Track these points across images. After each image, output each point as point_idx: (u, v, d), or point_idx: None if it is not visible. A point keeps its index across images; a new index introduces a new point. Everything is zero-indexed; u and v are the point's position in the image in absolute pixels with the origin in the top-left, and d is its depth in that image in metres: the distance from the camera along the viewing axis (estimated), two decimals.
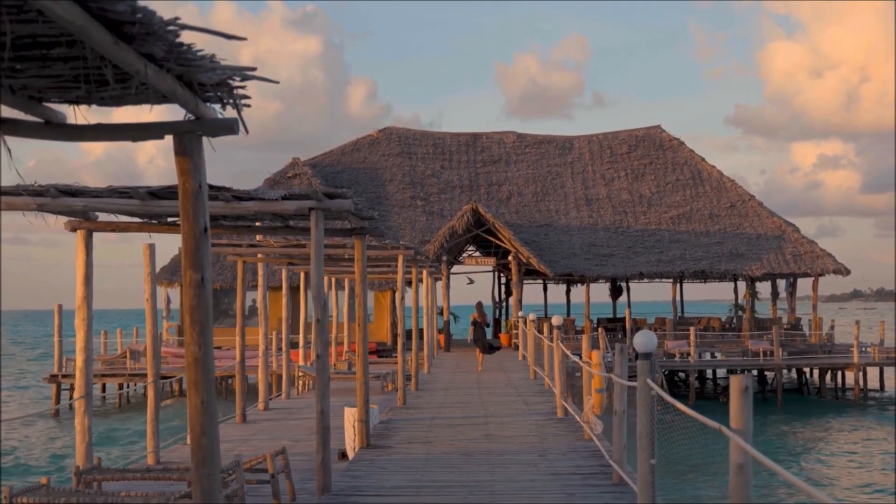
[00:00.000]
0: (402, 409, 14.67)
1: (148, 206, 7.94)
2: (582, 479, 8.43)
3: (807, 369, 33.82)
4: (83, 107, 4.36)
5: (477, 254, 39.85)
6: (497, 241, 35.52)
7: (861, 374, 31.15)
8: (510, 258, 35.26)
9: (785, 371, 32.87)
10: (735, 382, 4.44)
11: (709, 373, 35.15)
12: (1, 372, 45.62)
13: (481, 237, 36.30)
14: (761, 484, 16.61)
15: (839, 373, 32.60)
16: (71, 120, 4.43)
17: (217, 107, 4.27)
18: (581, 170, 41.77)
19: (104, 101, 4.12)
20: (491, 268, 40.53)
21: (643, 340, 6.17)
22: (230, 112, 4.23)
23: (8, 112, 4.34)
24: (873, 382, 33.09)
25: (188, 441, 13.98)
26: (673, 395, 5.50)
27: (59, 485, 9.97)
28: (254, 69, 3.75)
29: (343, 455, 11.60)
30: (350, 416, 11.76)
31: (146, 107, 4.45)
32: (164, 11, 3.11)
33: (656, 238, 37.84)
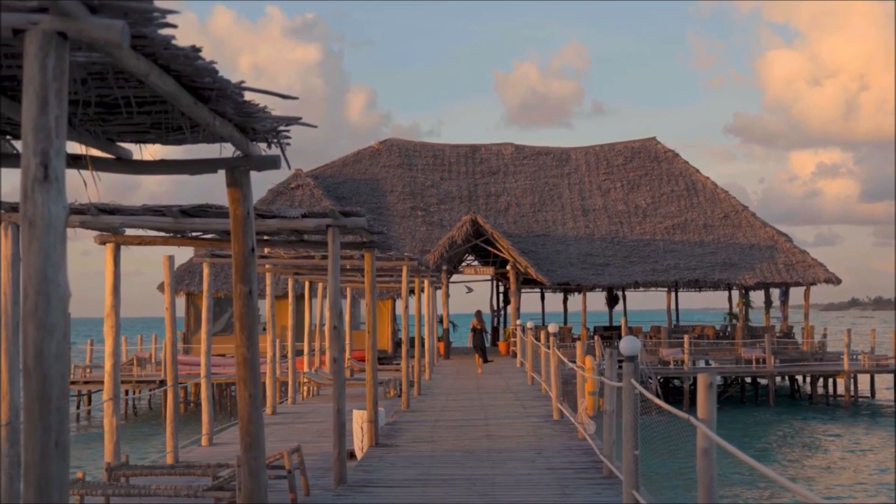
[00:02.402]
0: (407, 412, 15.44)
1: (179, 223, 8.71)
2: (575, 473, 9.20)
3: (799, 377, 34.58)
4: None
5: (476, 263, 40.66)
6: (495, 251, 36.29)
7: (852, 381, 31.94)
8: (508, 267, 36.03)
9: (778, 379, 33.65)
10: (701, 379, 5.21)
11: None
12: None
13: (480, 247, 37.07)
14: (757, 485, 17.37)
15: (831, 380, 33.38)
16: (136, 155, 5.21)
17: (263, 144, 5.06)
18: (578, 181, 42.61)
19: (168, 142, 4.90)
20: (489, 277, 41.32)
21: (628, 345, 6.95)
22: (274, 149, 5.02)
23: (78, 148, 5.12)
24: (866, 390, 33.90)
25: (203, 443, 14.72)
26: (668, 401, 6.08)
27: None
28: (299, 118, 4.54)
29: (351, 455, 12.33)
30: (358, 417, 12.51)
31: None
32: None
33: (651, 248, 38.65)
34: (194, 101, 3.88)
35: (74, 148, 4.87)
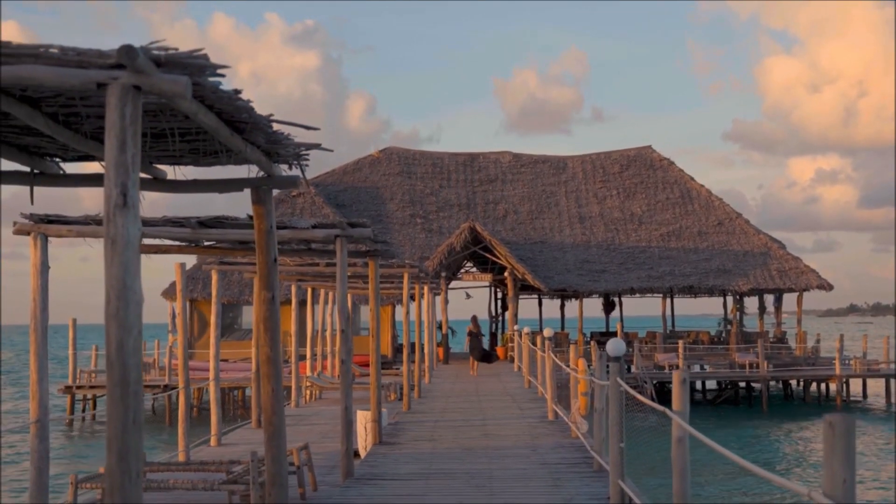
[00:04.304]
0: (408, 413, 16.06)
1: (196, 234, 9.31)
2: (567, 468, 9.81)
3: (793, 381, 35.22)
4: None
5: (474, 270, 41.31)
6: (493, 258, 36.91)
7: (844, 385, 32.61)
8: (506, 274, 36.65)
9: (772, 383, 34.29)
10: (675, 376, 5.81)
11: (698, 384, 36.56)
12: (1, 382, 46.81)
13: (478, 254, 37.70)
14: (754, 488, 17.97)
15: (823, 384, 34.05)
16: (170, 175, 5.82)
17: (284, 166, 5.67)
18: (574, 189, 43.27)
19: (201, 164, 5.51)
20: (488, 283, 41.93)
21: (614, 347, 7.56)
22: (294, 170, 5.64)
23: None
24: (859, 394, 34.62)
25: (212, 443, 15.27)
26: (663, 404, 6.53)
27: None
28: (318, 144, 5.15)
29: (355, 454, 12.92)
30: (362, 418, 13.11)
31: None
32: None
33: (647, 254, 39.29)
34: (231, 132, 4.50)
35: None
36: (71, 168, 5.91)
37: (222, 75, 3.66)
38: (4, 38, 3.34)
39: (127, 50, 3.23)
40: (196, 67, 3.47)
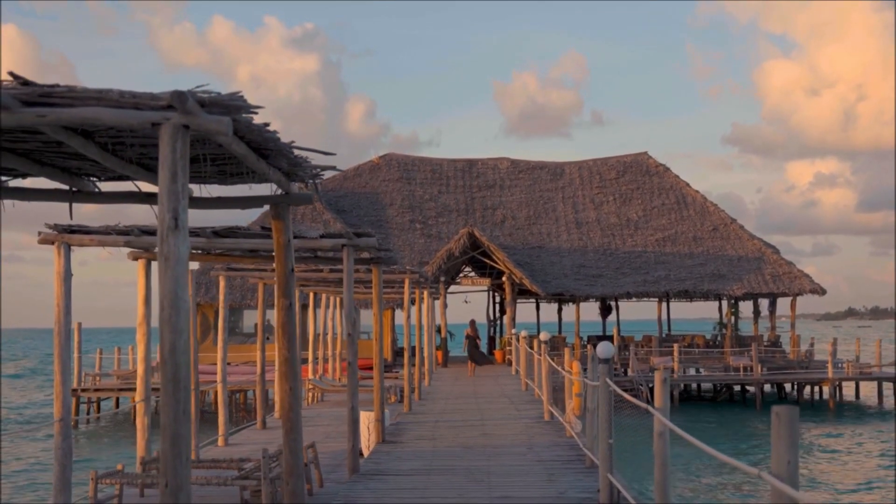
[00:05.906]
0: (409, 414, 16.60)
1: (211, 242, 9.86)
2: (561, 465, 10.37)
3: (787, 385, 35.81)
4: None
5: (473, 274, 41.86)
6: (492, 263, 37.47)
7: (837, 388, 33.19)
8: (504, 279, 37.22)
9: (767, 387, 34.88)
10: (657, 375, 6.37)
11: (694, 386, 37.21)
12: (1, 385, 47.31)
13: (477, 259, 38.25)
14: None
15: (817, 387, 34.65)
16: (196, 193, 6.37)
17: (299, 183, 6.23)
18: (571, 194, 43.87)
19: (226, 184, 6.07)
20: (486, 288, 42.50)
21: (603, 349, 8.11)
22: (309, 188, 6.20)
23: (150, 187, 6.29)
24: (851, 395, 35.25)
25: (219, 443, 15.80)
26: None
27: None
28: (333, 167, 5.72)
29: (359, 453, 13.46)
30: (365, 418, 13.67)
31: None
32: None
33: (643, 259, 39.87)
34: (257, 158, 5.06)
35: (149, 188, 6.06)
36: (103, 186, 6.47)
37: (256, 112, 4.23)
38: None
39: (178, 95, 3.79)
40: (234, 107, 4.03)
